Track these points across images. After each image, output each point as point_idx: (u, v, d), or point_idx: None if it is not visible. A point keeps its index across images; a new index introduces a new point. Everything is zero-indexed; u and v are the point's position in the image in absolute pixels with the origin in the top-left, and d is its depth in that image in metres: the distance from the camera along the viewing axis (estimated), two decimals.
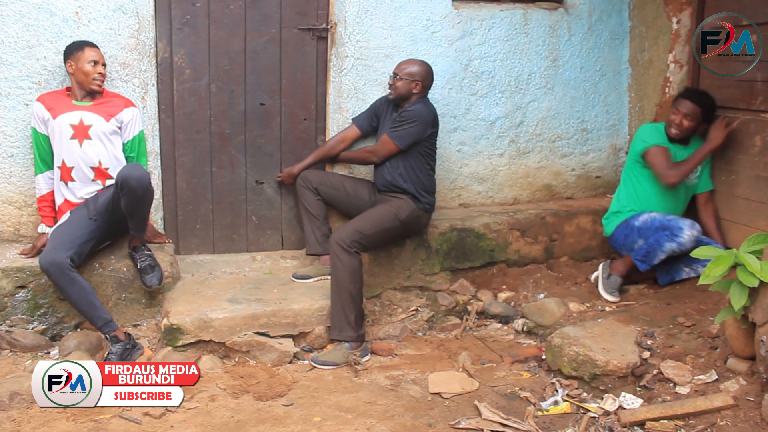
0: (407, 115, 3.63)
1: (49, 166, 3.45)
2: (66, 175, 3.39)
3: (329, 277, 3.67)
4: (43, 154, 3.43)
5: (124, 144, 3.51)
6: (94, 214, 3.34)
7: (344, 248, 3.44)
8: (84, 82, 3.39)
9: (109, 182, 3.43)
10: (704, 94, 3.76)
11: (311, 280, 3.71)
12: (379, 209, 3.65)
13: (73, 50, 3.40)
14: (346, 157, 3.89)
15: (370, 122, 3.82)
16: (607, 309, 3.64)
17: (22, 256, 3.42)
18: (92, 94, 3.45)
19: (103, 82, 3.43)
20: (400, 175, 3.69)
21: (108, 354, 3.20)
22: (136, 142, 3.53)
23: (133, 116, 3.50)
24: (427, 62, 3.78)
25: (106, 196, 3.35)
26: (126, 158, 3.51)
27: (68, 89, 3.46)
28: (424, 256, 3.91)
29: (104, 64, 3.44)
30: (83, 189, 3.41)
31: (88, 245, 3.32)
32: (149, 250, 3.44)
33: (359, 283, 3.46)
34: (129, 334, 3.32)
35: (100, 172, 3.41)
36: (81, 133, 3.37)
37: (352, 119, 3.87)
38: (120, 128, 3.47)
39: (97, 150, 3.40)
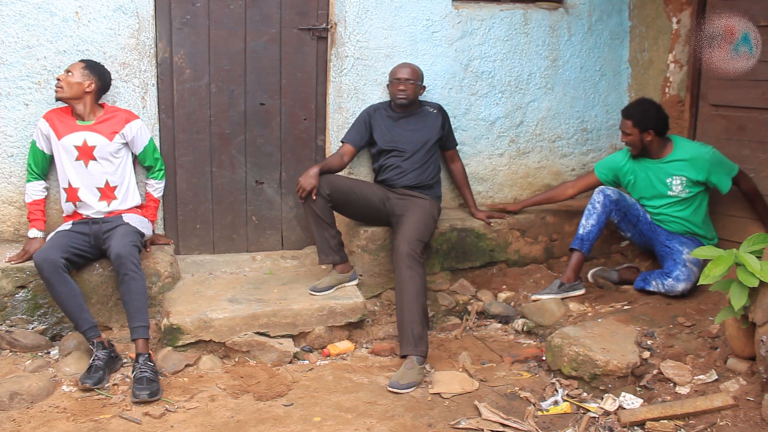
0: (448, 117, 3.92)
1: (41, 177, 3.46)
2: (73, 196, 3.38)
3: (348, 285, 3.67)
4: (37, 165, 3.44)
5: (137, 155, 3.55)
6: (93, 240, 3.33)
7: (417, 259, 3.38)
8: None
9: (114, 204, 3.42)
10: (632, 105, 3.74)
11: (332, 290, 3.62)
12: (417, 214, 3.59)
13: None
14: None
15: (362, 137, 3.77)
16: (607, 309, 3.64)
17: (11, 263, 3.33)
18: (93, 111, 3.42)
19: (62, 91, 3.32)
20: (429, 175, 3.78)
21: (93, 360, 3.07)
22: (149, 152, 3.56)
23: (138, 129, 3.48)
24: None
25: (107, 229, 3.32)
26: (145, 167, 3.61)
27: (71, 108, 3.41)
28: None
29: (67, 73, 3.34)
30: (89, 210, 3.40)
31: (80, 260, 3.30)
32: (152, 362, 3.07)
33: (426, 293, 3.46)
34: (111, 343, 3.22)
35: (106, 192, 3.41)
36: (86, 154, 3.36)
37: (342, 140, 3.77)
38: (126, 143, 3.48)
39: (104, 170, 3.40)
